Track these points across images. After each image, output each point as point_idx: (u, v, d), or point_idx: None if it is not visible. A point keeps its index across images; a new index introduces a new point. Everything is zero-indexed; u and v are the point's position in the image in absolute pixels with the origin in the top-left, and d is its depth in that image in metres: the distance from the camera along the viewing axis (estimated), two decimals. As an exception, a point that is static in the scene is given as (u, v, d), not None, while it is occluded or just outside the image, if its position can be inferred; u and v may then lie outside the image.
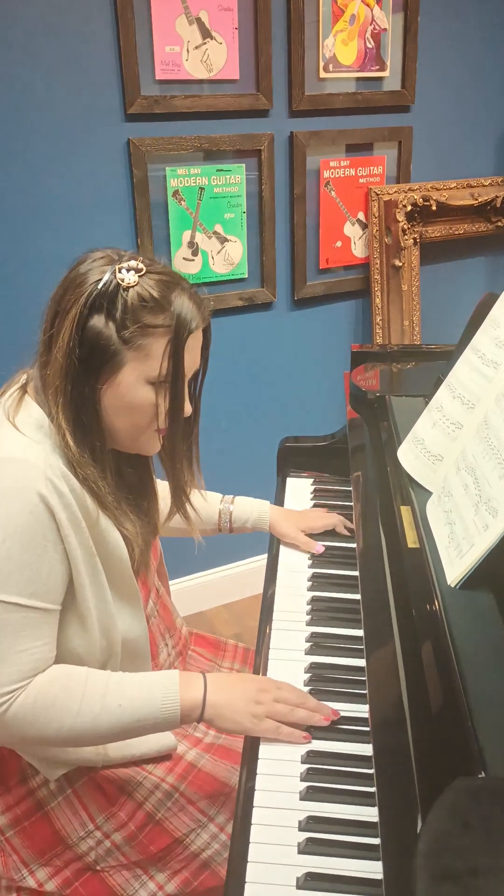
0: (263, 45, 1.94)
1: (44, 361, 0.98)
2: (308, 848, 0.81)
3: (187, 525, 1.17)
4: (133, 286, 0.94)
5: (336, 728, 0.96)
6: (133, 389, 0.97)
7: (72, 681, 0.96)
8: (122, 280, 0.94)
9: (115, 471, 1.03)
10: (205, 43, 1.88)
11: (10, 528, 0.90)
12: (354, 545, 1.28)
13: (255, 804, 0.85)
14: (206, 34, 1.88)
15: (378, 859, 0.70)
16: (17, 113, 1.75)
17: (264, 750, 0.93)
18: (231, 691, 0.97)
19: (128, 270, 0.94)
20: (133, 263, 0.95)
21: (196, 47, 1.88)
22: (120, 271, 0.94)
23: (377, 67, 2.13)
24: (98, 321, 0.94)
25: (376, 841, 0.78)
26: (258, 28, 1.93)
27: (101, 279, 0.94)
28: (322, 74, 2.06)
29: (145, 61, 1.83)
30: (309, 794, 0.86)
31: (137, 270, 0.95)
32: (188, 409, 1.02)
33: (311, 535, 1.37)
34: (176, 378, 0.97)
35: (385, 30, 2.10)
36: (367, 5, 2.05)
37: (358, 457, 1.34)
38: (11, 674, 0.92)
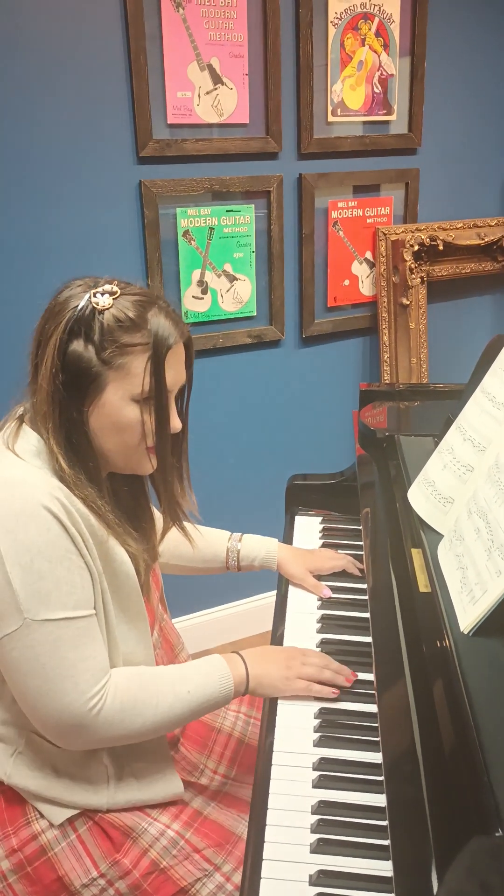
0: (273, 90, 1.98)
1: (32, 390, 1.01)
2: (319, 903, 0.79)
3: (185, 537, 1.17)
4: (108, 308, 0.97)
5: (349, 777, 0.94)
6: (118, 409, 0.99)
7: (143, 679, 1.02)
8: (98, 304, 0.97)
9: (111, 492, 1.06)
10: (216, 88, 1.93)
11: (33, 549, 0.92)
12: (364, 586, 1.27)
13: (264, 857, 0.83)
14: (217, 80, 1.92)
15: (392, 917, 0.68)
16: (33, 156, 1.79)
17: (274, 800, 0.91)
18: (266, 663, 1.09)
19: (102, 294, 0.98)
20: (108, 287, 0.99)
21: (207, 92, 1.92)
22: (95, 295, 0.98)
23: (384, 111, 2.17)
24: (78, 345, 0.97)
25: (389, 897, 0.76)
26: (268, 74, 1.97)
27: (77, 305, 0.97)
28: (330, 118, 2.10)
29: (157, 106, 1.87)
30: (320, 847, 0.84)
31: (112, 293, 0.98)
32: (177, 424, 1.05)
33: (319, 577, 1.36)
34: (159, 394, 1.00)
35: (392, 75, 2.15)
36: (375, 52, 2.10)
37: (367, 492, 1.34)
38: (88, 681, 0.96)
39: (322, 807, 0.90)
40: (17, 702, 1.01)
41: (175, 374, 1.03)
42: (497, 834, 0.59)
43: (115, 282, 1.01)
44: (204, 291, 2.07)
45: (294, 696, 1.08)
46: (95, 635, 0.98)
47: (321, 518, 1.59)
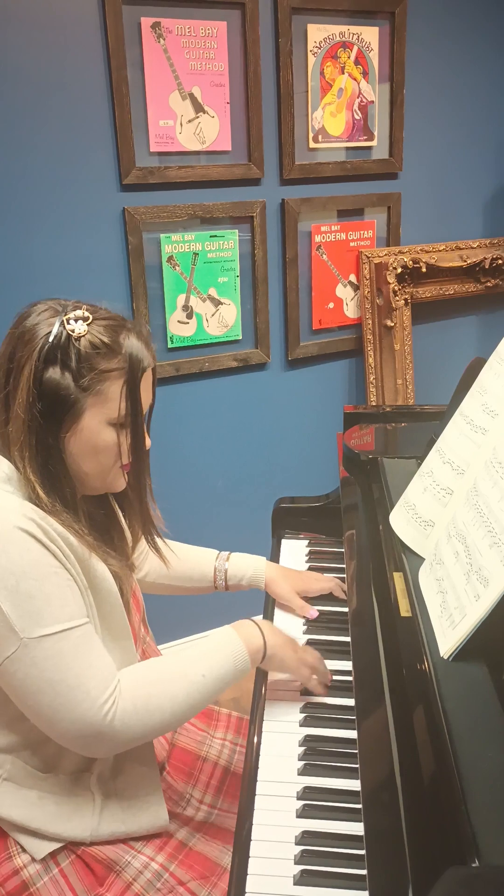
0: (254, 118, 2.01)
1: (4, 420, 1.00)
2: (302, 937, 0.77)
3: (159, 558, 1.17)
4: (84, 335, 0.97)
5: (333, 806, 0.93)
6: (96, 433, 1.00)
7: (152, 672, 1.02)
8: (73, 331, 0.97)
9: (86, 513, 1.05)
10: (197, 117, 1.95)
11: (17, 571, 0.91)
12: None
13: (246, 890, 0.82)
14: (198, 108, 1.95)
15: None
16: (17, 183, 1.81)
17: (257, 831, 0.90)
18: (280, 635, 1.11)
19: (76, 320, 0.97)
20: (79, 313, 0.98)
21: (189, 121, 1.94)
22: (68, 322, 0.97)
23: (365, 137, 2.20)
24: (54, 373, 0.96)
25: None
26: (249, 102, 2.00)
27: (50, 332, 0.96)
28: (312, 144, 2.13)
29: (140, 135, 1.90)
30: (303, 879, 0.83)
31: (85, 319, 0.98)
32: (147, 442, 1.07)
33: (306, 598, 1.36)
34: (135, 415, 1.01)
35: (372, 102, 2.18)
36: (354, 79, 2.13)
37: (350, 516, 1.34)
38: (98, 686, 0.94)
39: (306, 837, 0.89)
40: (24, 723, 1.00)
41: (147, 395, 1.05)
42: (473, 864, 0.58)
43: (84, 306, 1.01)
44: (189, 316, 2.08)
45: (279, 720, 1.08)
46: (95, 642, 0.97)
47: (308, 541, 1.58)
